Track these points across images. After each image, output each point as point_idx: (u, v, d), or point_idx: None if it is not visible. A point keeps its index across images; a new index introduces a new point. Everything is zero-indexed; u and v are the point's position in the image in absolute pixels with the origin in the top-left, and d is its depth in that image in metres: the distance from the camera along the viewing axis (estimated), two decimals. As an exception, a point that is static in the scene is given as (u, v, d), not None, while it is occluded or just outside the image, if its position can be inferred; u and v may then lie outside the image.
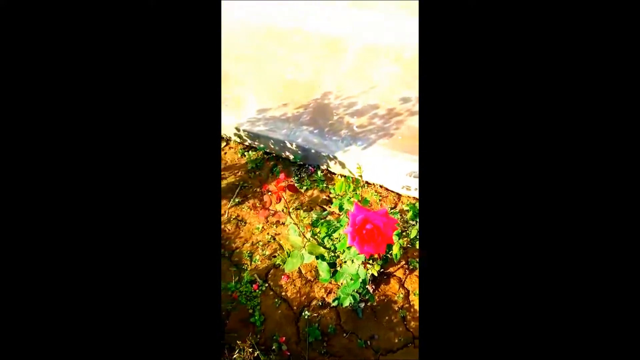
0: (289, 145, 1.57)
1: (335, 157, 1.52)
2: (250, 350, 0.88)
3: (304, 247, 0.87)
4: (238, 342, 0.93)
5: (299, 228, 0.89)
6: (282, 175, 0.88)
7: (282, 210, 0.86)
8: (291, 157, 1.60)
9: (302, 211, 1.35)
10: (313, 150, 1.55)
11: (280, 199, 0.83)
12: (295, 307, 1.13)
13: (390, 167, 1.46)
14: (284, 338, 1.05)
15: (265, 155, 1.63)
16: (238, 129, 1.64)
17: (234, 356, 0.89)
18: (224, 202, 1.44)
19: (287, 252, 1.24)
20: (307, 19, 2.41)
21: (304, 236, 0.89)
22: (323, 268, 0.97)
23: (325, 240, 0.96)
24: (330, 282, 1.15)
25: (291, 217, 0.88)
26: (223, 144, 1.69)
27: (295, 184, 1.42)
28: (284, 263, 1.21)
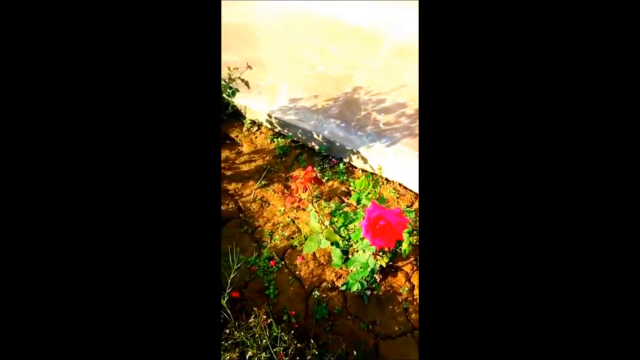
0: (315, 136, 1.65)
1: (358, 152, 1.58)
2: (265, 317, 1.00)
3: (322, 233, 0.95)
4: (255, 308, 1.06)
5: (319, 216, 0.98)
6: (309, 168, 0.96)
7: (306, 199, 0.95)
8: (316, 147, 1.68)
9: (323, 201, 1.44)
10: (338, 143, 1.61)
11: (306, 189, 0.92)
12: (306, 286, 1.23)
13: (411, 167, 1.51)
14: (293, 312, 1.16)
15: (292, 143, 1.72)
16: (270, 116, 1.73)
17: (250, 320, 1.02)
18: (251, 182, 1.56)
19: (304, 236, 1.34)
20: (346, 11, 2.42)
21: (323, 223, 0.98)
22: (336, 254, 1.05)
23: (342, 229, 1.04)
24: (341, 268, 1.24)
25: (313, 206, 0.96)
26: (254, 128, 1.80)
27: (318, 174, 1.51)
28: (301, 245, 1.32)
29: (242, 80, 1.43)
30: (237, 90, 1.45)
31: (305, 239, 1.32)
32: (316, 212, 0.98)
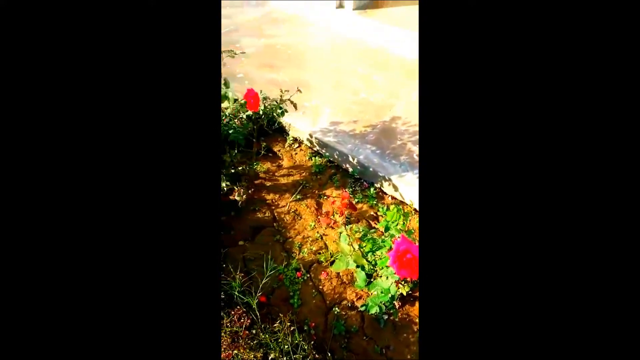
0: (351, 159, 1.75)
1: (390, 179, 1.66)
2: (289, 324, 1.09)
3: (350, 255, 1.04)
4: (280, 314, 1.16)
5: (350, 239, 1.07)
6: (345, 193, 1.06)
7: (339, 221, 1.04)
8: (350, 169, 1.78)
9: (354, 225, 1.53)
10: (371, 169, 1.70)
11: (342, 214, 1.02)
12: (328, 301, 1.32)
13: (440, 201, 1.55)
14: (313, 324, 1.24)
15: (328, 163, 1.84)
16: (311, 136, 1.87)
17: (275, 325, 1.12)
18: (287, 195, 1.68)
19: (330, 253, 1.43)
20: (392, 43, 2.53)
21: (352, 246, 1.06)
22: (361, 277, 1.13)
23: (369, 254, 1.11)
24: (363, 290, 1.31)
25: (345, 229, 1.06)
26: (295, 145, 1.94)
27: (350, 198, 1.60)
28: (327, 261, 1.41)
29: (292, 102, 1.57)
30: (286, 111, 1.60)
31: (332, 256, 1.41)
32: (347, 235, 1.07)
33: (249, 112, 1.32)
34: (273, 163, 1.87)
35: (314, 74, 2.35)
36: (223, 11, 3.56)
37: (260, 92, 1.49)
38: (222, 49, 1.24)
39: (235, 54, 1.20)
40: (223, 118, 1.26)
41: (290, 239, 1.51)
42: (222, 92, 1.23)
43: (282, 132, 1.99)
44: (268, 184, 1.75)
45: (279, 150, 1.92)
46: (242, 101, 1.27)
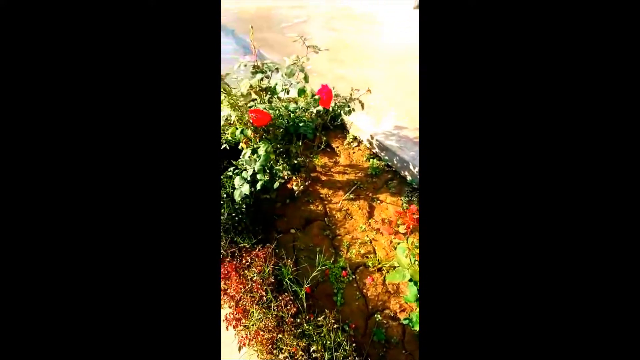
0: (412, 167, 1.70)
1: (450, 195, 1.58)
2: (333, 321, 1.11)
3: (407, 269, 1.02)
4: (326, 310, 1.17)
5: (408, 252, 1.04)
6: (412, 207, 1.03)
7: (401, 232, 1.02)
8: (408, 177, 1.73)
9: (413, 238, 1.49)
10: (431, 180, 1.64)
11: (409, 229, 0.99)
12: (370, 307, 1.31)
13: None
14: (354, 325, 1.24)
15: (386, 167, 1.80)
16: (372, 137, 1.84)
17: (319, 319, 1.14)
18: (340, 193, 1.69)
19: (378, 260, 1.41)
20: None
21: (410, 260, 1.04)
22: (412, 292, 1.10)
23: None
24: (408, 304, 1.28)
25: (407, 241, 1.03)
26: (355, 144, 1.93)
27: (404, 204, 1.56)
28: (374, 266, 1.39)
29: (360, 101, 1.56)
30: (354, 110, 1.59)
31: (379, 263, 1.39)
32: (407, 247, 1.04)
33: (320, 108, 1.33)
34: (330, 159, 1.88)
35: (382, 73, 2.30)
36: (295, 2, 3.62)
37: (334, 88, 1.50)
38: (295, 40, 1.25)
39: (319, 49, 1.20)
40: (296, 111, 1.28)
41: (339, 237, 1.51)
42: (301, 86, 1.25)
43: (342, 128, 1.99)
44: (323, 178, 1.77)
45: (338, 147, 1.92)
46: (316, 97, 1.28)
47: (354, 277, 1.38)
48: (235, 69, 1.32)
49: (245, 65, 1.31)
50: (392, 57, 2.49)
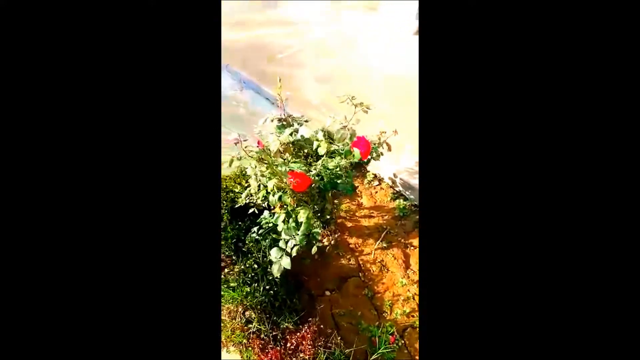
0: (442, 207, 1.62)
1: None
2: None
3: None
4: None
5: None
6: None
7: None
8: (438, 217, 1.64)
9: None
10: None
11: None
12: (427, 377, 1.18)
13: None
14: (414, 403, 1.11)
15: (413, 207, 1.71)
16: (395, 176, 1.75)
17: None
18: (370, 241, 1.57)
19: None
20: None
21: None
22: None
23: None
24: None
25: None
26: (375, 182, 1.83)
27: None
28: (422, 327, 1.27)
29: (388, 144, 1.47)
30: (382, 154, 1.50)
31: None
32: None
33: (355, 160, 1.23)
34: (352, 201, 1.77)
35: (388, 104, 2.25)
36: (288, 29, 3.58)
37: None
38: (343, 100, 1.15)
39: (369, 109, 1.11)
40: (337, 169, 1.17)
41: (378, 294, 1.39)
42: (348, 149, 1.14)
43: (360, 166, 1.90)
44: (349, 224, 1.65)
45: (358, 187, 1.82)
46: (355, 151, 1.18)
47: (403, 342, 1.25)
48: (261, 123, 1.20)
49: (272, 121, 1.19)
50: (395, 85, 2.46)
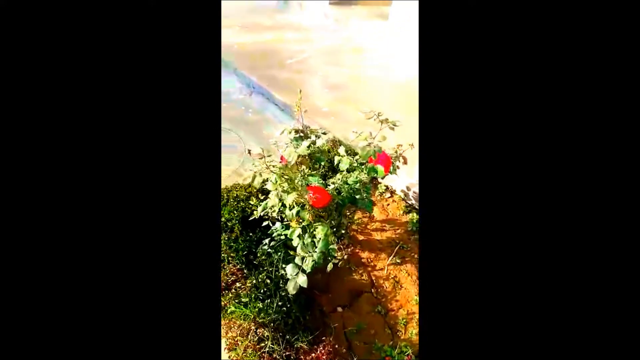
0: (456, 223, 1.59)
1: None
2: None
3: None
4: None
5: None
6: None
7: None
8: (452, 233, 1.61)
9: None
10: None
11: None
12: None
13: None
14: None
15: (426, 221, 1.68)
16: (408, 189, 1.72)
17: None
18: (383, 256, 1.53)
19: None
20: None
21: None
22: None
23: None
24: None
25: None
26: (387, 194, 1.80)
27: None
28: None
29: (404, 157, 1.44)
30: (399, 168, 1.47)
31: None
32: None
33: (375, 175, 1.20)
34: (364, 213, 1.73)
35: (400, 113, 2.22)
36: (297, 34, 3.56)
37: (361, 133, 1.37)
38: (370, 117, 1.12)
39: (395, 125, 1.08)
40: (357, 184, 1.14)
41: (392, 312, 1.35)
42: (371, 166, 1.11)
43: (372, 178, 1.86)
44: (361, 237, 1.61)
45: (370, 199, 1.79)
46: (378, 167, 1.15)
47: (418, 363, 1.21)
48: (278, 135, 1.17)
49: (289, 133, 1.16)
50: (406, 93, 2.43)
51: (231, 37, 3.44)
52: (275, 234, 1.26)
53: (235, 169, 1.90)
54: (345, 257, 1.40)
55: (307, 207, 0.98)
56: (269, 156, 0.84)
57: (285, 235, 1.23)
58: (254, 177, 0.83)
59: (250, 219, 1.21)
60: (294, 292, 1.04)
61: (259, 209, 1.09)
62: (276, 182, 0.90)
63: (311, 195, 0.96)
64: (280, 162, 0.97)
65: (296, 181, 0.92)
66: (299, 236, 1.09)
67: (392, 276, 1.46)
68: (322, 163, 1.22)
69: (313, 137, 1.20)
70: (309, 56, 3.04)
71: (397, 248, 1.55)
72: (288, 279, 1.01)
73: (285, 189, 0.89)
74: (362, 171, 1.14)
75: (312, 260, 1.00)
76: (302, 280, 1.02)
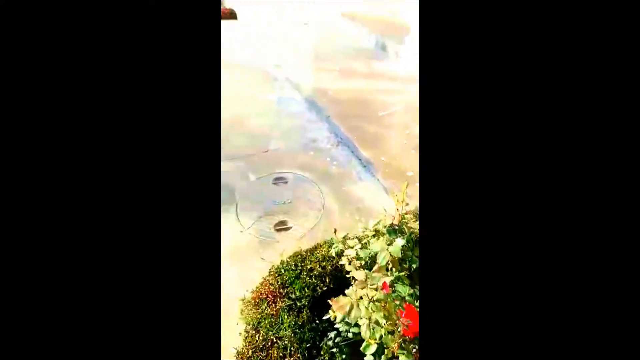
0: None
1: None
2: None
3: None
4: None
5: None
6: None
7: None
8: None
9: None
10: None
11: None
12: None
13: None
14: None
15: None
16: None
17: None
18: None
19: None
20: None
21: None
22: None
23: None
24: None
25: None
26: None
27: None
28: None
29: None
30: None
31: None
32: None
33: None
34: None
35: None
36: (391, 85, 3.52)
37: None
38: None
39: None
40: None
41: None
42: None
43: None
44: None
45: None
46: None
47: None
48: (372, 226, 1.05)
49: (384, 227, 1.02)
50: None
51: (328, 82, 3.60)
52: (343, 331, 1.11)
53: (311, 228, 1.84)
54: None
55: (397, 334, 0.81)
56: (355, 239, 0.71)
57: (354, 333, 1.07)
58: (350, 308, 0.71)
59: (324, 317, 1.09)
60: None
61: (338, 316, 0.96)
62: (368, 307, 0.77)
63: (403, 321, 0.79)
64: (382, 289, 0.83)
65: (391, 309, 0.76)
66: (373, 355, 0.91)
67: None
68: (414, 265, 1.04)
69: (408, 233, 1.04)
70: (400, 110, 2.94)
71: None
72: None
73: (377, 320, 0.74)
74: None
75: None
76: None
